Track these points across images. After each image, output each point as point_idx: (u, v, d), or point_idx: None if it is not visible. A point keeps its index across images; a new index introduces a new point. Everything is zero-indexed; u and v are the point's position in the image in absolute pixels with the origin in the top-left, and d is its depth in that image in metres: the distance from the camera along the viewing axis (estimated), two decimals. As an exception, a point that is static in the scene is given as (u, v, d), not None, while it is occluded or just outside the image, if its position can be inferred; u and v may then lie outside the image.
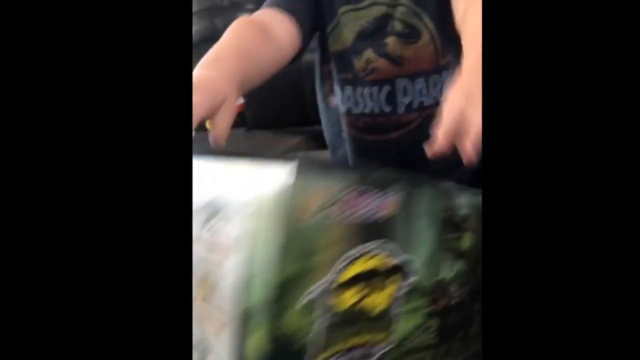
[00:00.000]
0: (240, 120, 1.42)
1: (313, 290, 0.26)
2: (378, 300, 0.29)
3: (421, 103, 0.49)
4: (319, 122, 0.59)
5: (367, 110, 0.50)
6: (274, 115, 1.36)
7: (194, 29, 1.93)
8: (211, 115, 0.39)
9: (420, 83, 0.49)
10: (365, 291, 0.29)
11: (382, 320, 0.30)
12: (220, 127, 0.40)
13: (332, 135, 0.56)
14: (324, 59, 0.52)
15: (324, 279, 0.27)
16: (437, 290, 0.33)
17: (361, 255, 0.28)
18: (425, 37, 0.47)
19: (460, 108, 0.32)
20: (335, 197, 0.27)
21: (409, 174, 0.31)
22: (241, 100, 1.36)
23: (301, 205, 0.25)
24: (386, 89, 0.49)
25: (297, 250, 0.25)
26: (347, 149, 0.55)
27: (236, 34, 0.45)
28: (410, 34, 0.46)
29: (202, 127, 1.17)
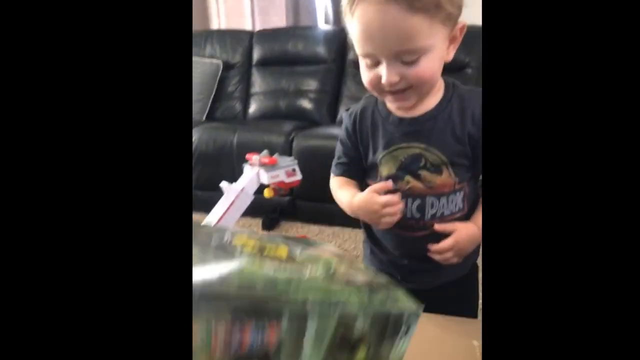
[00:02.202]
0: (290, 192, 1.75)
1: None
2: None
3: (442, 214, 0.70)
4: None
5: (402, 215, 0.69)
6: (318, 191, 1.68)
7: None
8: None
9: (443, 200, 0.69)
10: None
11: None
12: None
13: (376, 229, 0.76)
14: (370, 177, 0.74)
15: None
16: None
17: None
18: (446, 173, 0.68)
19: (462, 245, 0.66)
20: (213, 328, 0.29)
21: (302, 303, 0.33)
22: (299, 177, 1.56)
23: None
24: (417, 202, 0.69)
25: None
26: (386, 238, 0.75)
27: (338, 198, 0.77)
28: (435, 170, 0.68)
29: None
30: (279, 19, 2.56)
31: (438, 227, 0.67)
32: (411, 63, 0.58)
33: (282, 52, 2.49)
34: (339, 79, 2.43)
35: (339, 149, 0.77)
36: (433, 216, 0.69)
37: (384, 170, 0.70)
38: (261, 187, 1.60)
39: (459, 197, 0.69)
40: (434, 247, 0.67)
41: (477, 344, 0.65)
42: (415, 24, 0.55)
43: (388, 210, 0.67)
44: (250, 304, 0.30)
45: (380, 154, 0.69)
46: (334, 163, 0.78)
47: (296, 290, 0.33)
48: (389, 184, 0.68)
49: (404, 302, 0.41)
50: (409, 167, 0.68)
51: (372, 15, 0.56)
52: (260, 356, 0.30)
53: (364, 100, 0.74)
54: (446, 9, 0.56)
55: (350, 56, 2.39)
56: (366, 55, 0.60)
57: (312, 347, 0.32)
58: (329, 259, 0.42)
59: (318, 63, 2.44)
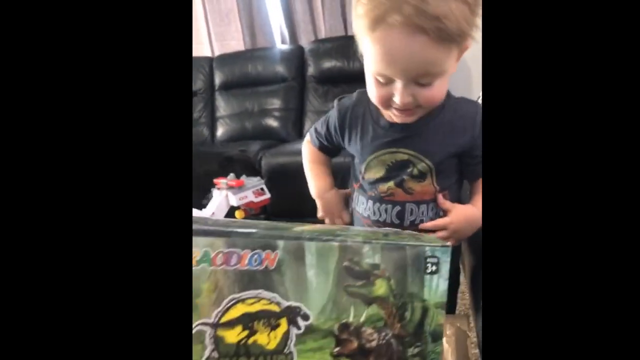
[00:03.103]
0: (262, 211, 1.75)
1: (200, 324, 0.32)
2: (265, 340, 0.34)
3: (421, 220, 0.70)
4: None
5: (381, 219, 0.71)
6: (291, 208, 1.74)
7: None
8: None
9: (423, 207, 0.69)
10: (249, 330, 0.33)
11: (279, 356, 0.34)
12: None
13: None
14: (355, 179, 0.75)
15: (209, 315, 0.32)
16: (344, 332, 0.36)
17: (245, 299, 0.33)
18: (428, 180, 0.68)
19: (457, 225, 0.66)
20: (215, 250, 0.33)
21: (296, 234, 0.36)
22: (268, 195, 1.53)
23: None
24: (397, 208, 0.69)
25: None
26: None
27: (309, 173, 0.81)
28: (419, 177, 0.68)
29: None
30: (236, 43, 2.61)
31: (440, 201, 0.67)
32: (426, 85, 0.57)
33: (243, 74, 2.53)
34: (301, 96, 2.48)
35: (323, 123, 0.76)
36: (412, 223, 0.69)
37: (371, 174, 0.69)
38: (232, 210, 1.62)
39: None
40: (427, 224, 0.67)
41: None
42: (439, 52, 0.54)
43: (338, 221, 0.77)
44: (243, 238, 0.33)
45: (367, 157, 0.69)
46: (314, 129, 0.78)
47: (293, 227, 0.37)
48: (349, 191, 0.75)
49: (426, 238, 0.41)
50: (394, 173, 0.67)
51: (396, 43, 0.53)
52: (261, 276, 0.33)
53: (357, 95, 0.72)
54: (471, 35, 0.55)
55: (310, 72, 2.45)
56: (381, 75, 0.58)
57: (317, 274, 0.35)
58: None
59: (279, 82, 2.49)
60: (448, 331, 0.66)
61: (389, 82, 0.59)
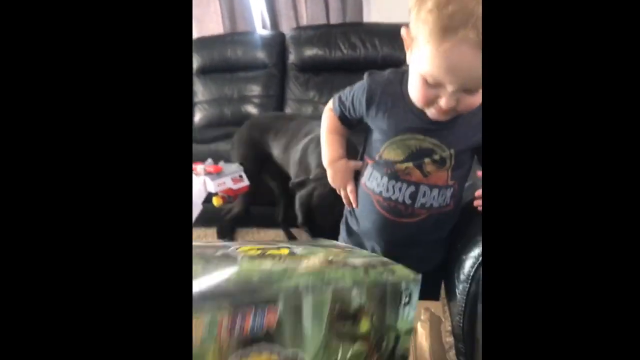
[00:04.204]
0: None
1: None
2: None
3: (431, 204, 0.72)
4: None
5: (393, 197, 0.72)
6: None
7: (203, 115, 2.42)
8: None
9: (435, 192, 0.71)
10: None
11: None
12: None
13: (361, 208, 0.80)
14: (369, 155, 0.76)
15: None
16: None
17: (250, 354, 0.34)
18: (446, 165, 0.70)
19: None
20: (217, 320, 0.32)
21: (294, 286, 0.37)
22: (247, 182, 1.52)
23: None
24: (411, 188, 0.71)
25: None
26: (370, 220, 0.77)
27: (325, 141, 0.83)
28: (440, 162, 0.69)
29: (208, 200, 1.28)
30: (215, 26, 2.54)
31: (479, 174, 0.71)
32: (472, 92, 0.58)
33: (222, 59, 2.47)
34: (282, 83, 2.45)
35: (349, 94, 0.76)
36: (422, 205, 0.72)
37: (390, 155, 0.71)
38: (210, 196, 1.59)
39: (448, 193, 0.72)
40: (478, 192, 0.71)
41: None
42: None
43: (344, 193, 0.81)
44: (248, 295, 0.33)
45: (392, 136, 0.71)
46: (338, 97, 0.79)
47: (290, 277, 0.37)
48: (359, 164, 0.78)
49: (400, 272, 0.44)
50: (416, 157, 0.70)
51: (464, 57, 0.53)
52: (262, 336, 0.34)
53: (390, 74, 0.72)
54: None
55: (291, 59, 2.42)
56: (433, 78, 0.58)
57: (312, 322, 0.36)
58: (329, 251, 0.46)
59: (259, 68, 2.45)
60: (423, 316, 0.68)
61: (438, 85, 0.59)
